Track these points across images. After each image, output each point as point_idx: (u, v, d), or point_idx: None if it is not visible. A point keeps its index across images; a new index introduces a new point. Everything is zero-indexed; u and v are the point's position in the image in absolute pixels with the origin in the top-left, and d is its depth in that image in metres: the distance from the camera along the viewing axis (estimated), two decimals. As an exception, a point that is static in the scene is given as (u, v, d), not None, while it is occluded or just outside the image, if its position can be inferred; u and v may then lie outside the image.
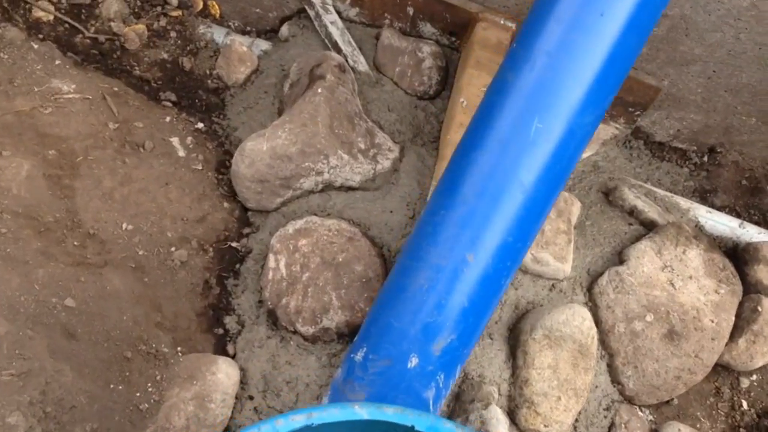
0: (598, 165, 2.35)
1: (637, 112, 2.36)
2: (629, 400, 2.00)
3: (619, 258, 2.11)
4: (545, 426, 1.82)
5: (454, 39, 2.37)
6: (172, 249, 1.85)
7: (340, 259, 1.80)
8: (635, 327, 1.98)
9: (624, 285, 2.01)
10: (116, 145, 1.94)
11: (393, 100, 2.20)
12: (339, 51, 2.27)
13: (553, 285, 2.02)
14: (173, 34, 2.40)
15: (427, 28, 2.36)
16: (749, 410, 2.10)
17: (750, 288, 2.19)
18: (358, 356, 1.65)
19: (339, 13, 2.36)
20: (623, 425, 1.94)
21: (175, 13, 2.44)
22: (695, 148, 2.54)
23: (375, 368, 1.62)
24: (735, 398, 2.11)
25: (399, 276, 1.65)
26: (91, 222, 1.80)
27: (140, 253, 1.81)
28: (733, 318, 2.07)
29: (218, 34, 2.41)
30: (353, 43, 2.30)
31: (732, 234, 2.35)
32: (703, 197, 2.51)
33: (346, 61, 2.24)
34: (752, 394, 2.13)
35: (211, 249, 1.90)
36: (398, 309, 1.62)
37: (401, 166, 2.04)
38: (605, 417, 1.95)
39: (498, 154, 1.56)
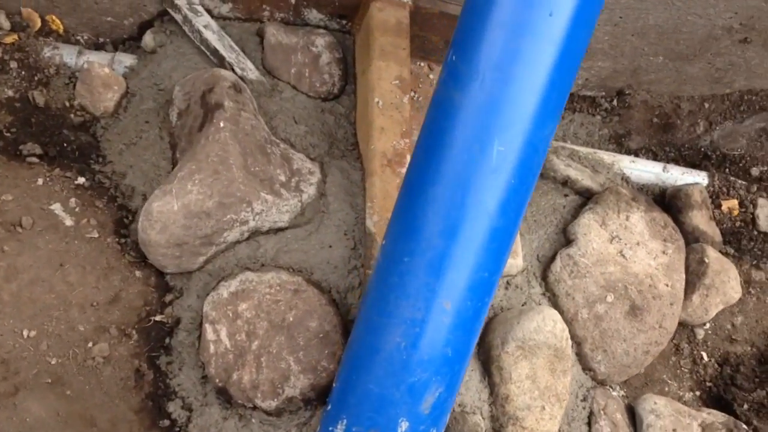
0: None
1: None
2: (601, 383, 1.94)
3: (565, 237, 2.01)
4: (533, 438, 1.73)
5: (345, 22, 2.13)
6: (90, 345, 1.58)
7: (291, 319, 1.59)
8: (598, 310, 1.90)
9: (578, 268, 1.92)
10: (-12, 232, 1.61)
11: (297, 109, 1.95)
12: (221, 59, 1.98)
13: (507, 282, 1.90)
14: (13, 64, 2.03)
15: (313, 15, 2.10)
16: (710, 360, 2.10)
17: (688, 236, 2.15)
18: (339, 429, 1.47)
19: (209, 11, 2.06)
20: (602, 411, 1.88)
21: (9, 39, 2.05)
22: (604, 93, 2.45)
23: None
24: (695, 352, 2.09)
25: (368, 335, 1.46)
26: (-16, 339, 1.49)
27: (53, 362, 1.52)
28: (684, 275, 2.03)
29: (69, 55, 2.06)
30: (235, 46, 2.01)
31: (657, 180, 2.30)
32: (619, 143, 2.45)
33: (232, 70, 1.96)
34: (709, 343, 2.13)
35: (133, 331, 1.64)
36: (376, 373, 1.44)
37: (327, 189, 1.82)
38: (584, 408, 1.88)
39: (459, 187, 1.38)
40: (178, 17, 2.03)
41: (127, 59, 2.09)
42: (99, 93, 2.00)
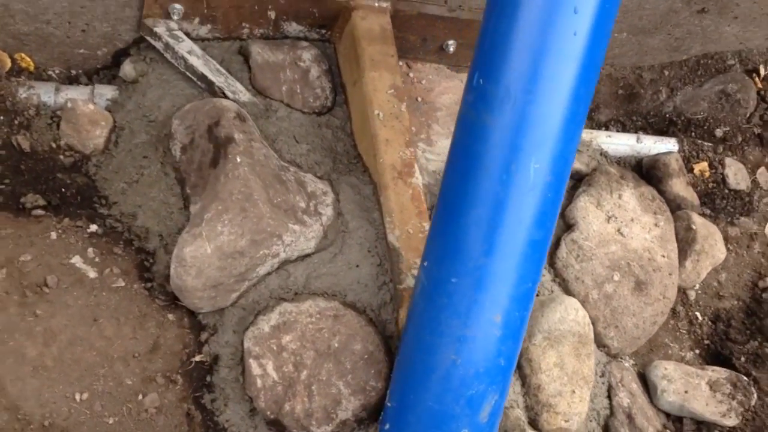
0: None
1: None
2: (614, 357, 2.05)
3: (564, 221, 2.09)
4: (566, 421, 1.83)
5: (324, 32, 2.13)
6: (140, 397, 1.58)
7: (336, 345, 1.63)
8: (607, 290, 2.00)
9: (583, 251, 2.01)
10: (16, 298, 1.58)
11: (295, 128, 1.96)
12: (209, 84, 1.96)
13: (519, 274, 1.97)
14: (-10, 110, 1.96)
15: (293, 27, 2.10)
16: (704, 319, 2.24)
17: (671, 204, 2.27)
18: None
19: (188, 34, 2.02)
20: (619, 384, 2.00)
21: (-21, 86, 1.98)
22: (572, 71, 2.52)
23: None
24: (690, 313, 2.23)
25: (422, 354, 1.51)
26: (37, 410, 1.48)
27: (110, 421, 1.52)
28: (676, 244, 2.15)
29: (46, 93, 2.00)
30: (222, 69, 1.99)
31: (632, 151, 2.41)
32: (590, 117, 2.54)
33: (223, 94, 1.95)
34: (700, 302, 2.27)
35: (178, 376, 1.64)
36: (434, 390, 1.50)
37: (342, 207, 1.85)
38: (603, 384, 1.99)
39: (499, 207, 1.43)
40: (158, 45, 1.99)
41: (107, 91, 2.04)
42: (87, 131, 1.96)
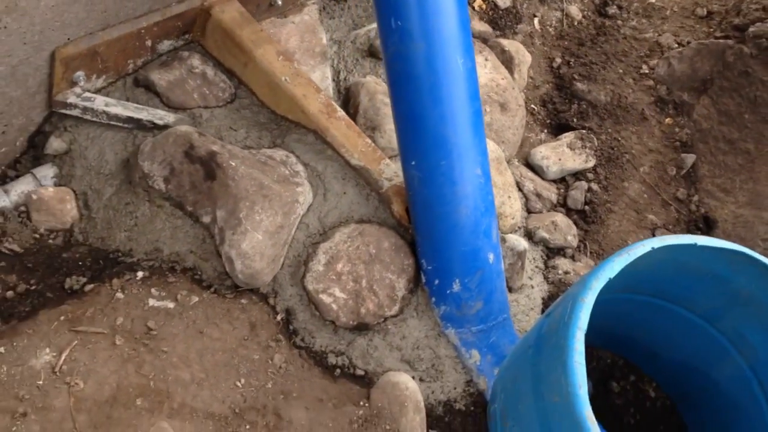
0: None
1: None
2: (509, 162, 2.75)
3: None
4: (512, 218, 2.52)
5: (187, 36, 2.45)
6: (271, 361, 2.03)
7: (373, 250, 2.15)
8: (487, 120, 2.67)
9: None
10: (142, 348, 1.92)
11: (225, 121, 2.33)
12: (137, 122, 2.26)
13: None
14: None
15: (164, 45, 2.40)
16: (538, 107, 3.00)
17: (479, 39, 2.94)
18: (456, 287, 2.14)
19: (89, 91, 2.27)
20: (522, 178, 2.72)
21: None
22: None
23: (474, 283, 2.15)
24: (529, 108, 2.97)
25: (440, 221, 2.09)
26: (224, 407, 1.88)
27: (269, 385, 1.97)
28: (503, 66, 2.85)
29: (-2, 200, 2.18)
30: (139, 105, 2.28)
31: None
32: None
33: (154, 125, 2.26)
34: (530, 97, 3.02)
35: (279, 335, 2.10)
36: (461, 239, 2.10)
37: (303, 159, 2.30)
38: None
39: (450, 97, 1.99)
40: (75, 112, 2.22)
41: (47, 171, 2.25)
42: (59, 210, 2.20)
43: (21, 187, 2.21)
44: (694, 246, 1.96)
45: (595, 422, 1.68)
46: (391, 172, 2.26)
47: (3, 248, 2.13)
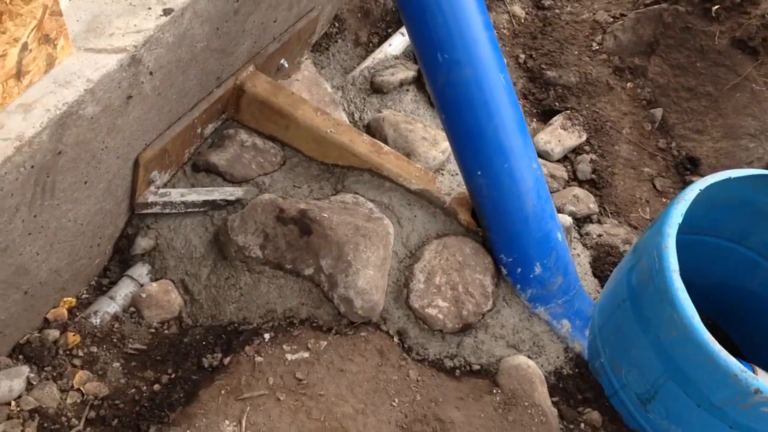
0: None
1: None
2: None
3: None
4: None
5: (224, 115, 2.64)
6: (408, 377, 2.26)
7: (460, 258, 2.41)
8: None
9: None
10: (304, 399, 2.11)
11: (286, 183, 2.54)
12: (212, 203, 2.43)
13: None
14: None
15: (209, 129, 2.58)
16: (525, 102, 3.32)
17: None
18: (538, 270, 2.43)
19: (162, 187, 2.42)
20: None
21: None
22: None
23: (551, 262, 2.44)
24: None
25: (514, 216, 2.37)
26: (390, 426, 2.10)
27: (419, 397, 2.20)
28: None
29: (107, 305, 2.30)
30: (209, 188, 2.46)
31: None
32: None
33: (227, 202, 2.44)
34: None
35: (404, 354, 2.33)
36: (535, 226, 2.39)
37: (362, 192, 2.52)
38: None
39: (500, 111, 2.27)
40: (155, 209, 2.38)
41: (142, 269, 2.40)
42: (167, 302, 2.36)
43: (124, 291, 2.34)
44: (728, 179, 2.31)
45: (717, 342, 2.00)
46: (446, 187, 2.52)
47: (129, 350, 2.27)
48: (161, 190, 2.39)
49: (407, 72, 3.06)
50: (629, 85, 3.41)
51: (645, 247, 2.23)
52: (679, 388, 2.11)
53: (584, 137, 3.18)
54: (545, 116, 3.31)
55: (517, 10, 3.64)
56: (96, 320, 2.26)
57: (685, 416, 2.16)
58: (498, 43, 2.31)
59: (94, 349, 2.21)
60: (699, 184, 2.28)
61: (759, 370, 2.37)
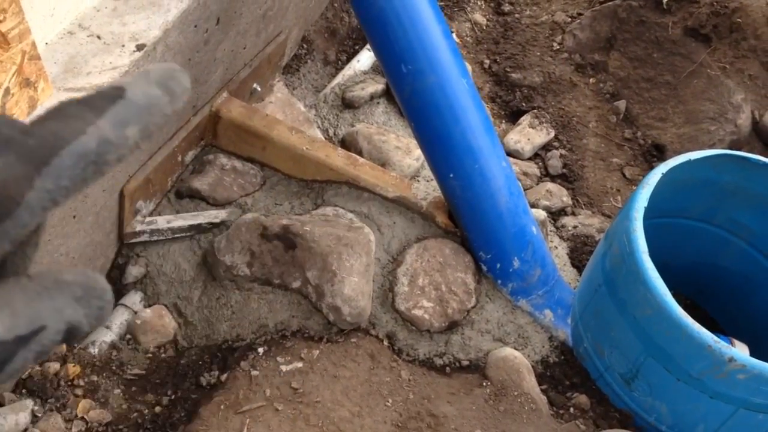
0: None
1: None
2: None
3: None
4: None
5: (202, 142, 2.73)
6: (405, 385, 2.34)
7: (441, 259, 2.50)
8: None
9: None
10: (302, 407, 2.19)
11: (268, 202, 2.63)
12: (197, 227, 2.52)
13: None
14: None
15: (189, 156, 2.66)
16: (492, 105, 3.44)
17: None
18: (516, 264, 2.52)
19: (148, 216, 2.51)
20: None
21: None
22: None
23: (529, 255, 2.54)
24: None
25: (489, 214, 2.47)
26: (387, 426, 2.18)
27: (415, 402, 2.28)
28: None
29: (105, 335, 2.37)
30: (194, 213, 2.54)
31: None
32: None
33: (213, 225, 2.53)
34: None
35: (396, 356, 2.41)
36: (509, 222, 2.49)
37: (359, 208, 2.62)
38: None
39: (466, 113, 2.38)
40: (143, 238, 2.46)
41: (135, 297, 2.47)
42: (162, 325, 2.42)
43: (119, 319, 2.42)
44: (688, 161, 2.42)
45: (689, 317, 2.10)
46: (422, 192, 2.62)
47: (128, 376, 2.34)
48: (148, 219, 2.47)
49: (376, 85, 3.16)
50: (591, 80, 3.53)
51: (615, 232, 2.34)
52: (659, 364, 2.21)
53: (552, 134, 3.29)
54: (513, 117, 3.42)
55: (478, 17, 3.76)
56: (94, 350, 2.33)
57: (667, 391, 2.25)
58: (459, 50, 2.42)
59: (94, 377, 2.28)
60: (661, 168, 2.39)
61: (736, 342, 2.47)
